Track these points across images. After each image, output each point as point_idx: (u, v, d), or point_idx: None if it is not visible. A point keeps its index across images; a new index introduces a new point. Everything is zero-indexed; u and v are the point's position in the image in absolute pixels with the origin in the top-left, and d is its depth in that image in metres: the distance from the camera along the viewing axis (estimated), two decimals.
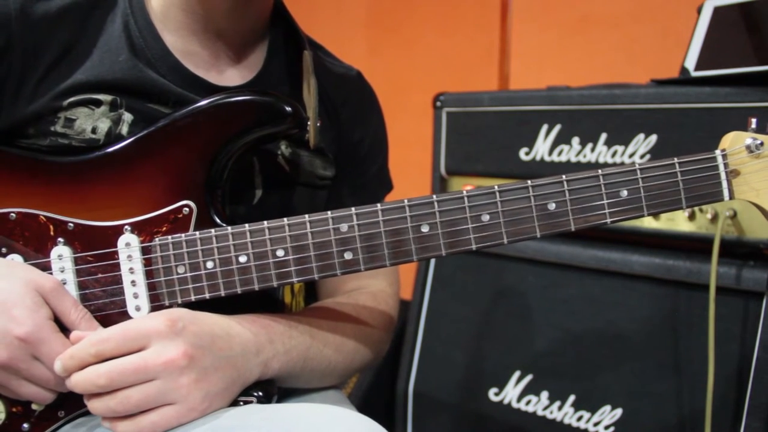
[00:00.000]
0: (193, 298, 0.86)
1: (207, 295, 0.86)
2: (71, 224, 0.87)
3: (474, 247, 0.84)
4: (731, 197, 0.85)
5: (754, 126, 0.86)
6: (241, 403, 0.83)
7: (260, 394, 0.85)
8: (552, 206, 0.84)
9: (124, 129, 0.92)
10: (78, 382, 0.77)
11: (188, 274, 0.85)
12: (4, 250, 0.87)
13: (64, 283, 0.85)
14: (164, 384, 0.77)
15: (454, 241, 0.84)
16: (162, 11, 0.96)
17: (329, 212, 0.84)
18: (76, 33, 0.92)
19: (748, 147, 0.84)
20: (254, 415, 0.79)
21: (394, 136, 1.21)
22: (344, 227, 0.84)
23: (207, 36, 0.97)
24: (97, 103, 0.91)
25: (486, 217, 0.84)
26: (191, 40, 0.96)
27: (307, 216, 0.84)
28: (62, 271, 0.86)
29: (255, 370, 0.85)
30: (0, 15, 0.89)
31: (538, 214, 0.84)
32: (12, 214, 0.87)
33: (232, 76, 1.00)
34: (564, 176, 0.84)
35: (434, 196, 0.84)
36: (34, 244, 0.87)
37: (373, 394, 1.76)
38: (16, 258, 0.87)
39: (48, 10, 0.91)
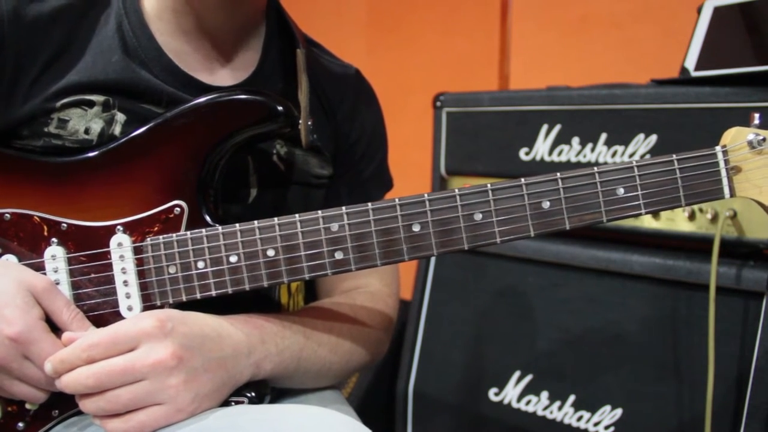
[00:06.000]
0: (184, 298, 0.85)
1: (198, 295, 0.85)
2: (65, 224, 0.87)
3: (466, 246, 0.83)
4: (732, 195, 0.83)
5: (757, 122, 0.84)
6: (233, 403, 0.83)
7: (252, 394, 0.85)
8: (546, 205, 0.82)
9: (117, 129, 0.92)
10: (68, 383, 0.78)
11: (179, 274, 0.85)
12: None
13: (58, 284, 0.85)
14: (152, 384, 0.77)
15: (446, 241, 0.83)
16: (155, 13, 0.95)
17: (320, 212, 0.84)
18: (70, 34, 0.92)
19: (750, 143, 0.82)
20: (243, 416, 0.79)
21: (394, 136, 1.21)
22: (335, 227, 0.83)
23: (199, 36, 0.96)
24: (90, 104, 0.91)
25: (479, 216, 0.82)
26: (184, 41, 0.96)
27: (297, 216, 0.84)
28: (56, 271, 0.86)
29: (246, 371, 0.84)
30: None
31: (531, 212, 0.82)
32: (6, 214, 0.88)
33: (227, 76, 0.99)
34: (559, 174, 0.83)
35: (426, 195, 0.83)
36: (28, 245, 0.87)
37: (373, 394, 1.76)
38: (10, 258, 0.87)
39: (41, 11, 0.90)
